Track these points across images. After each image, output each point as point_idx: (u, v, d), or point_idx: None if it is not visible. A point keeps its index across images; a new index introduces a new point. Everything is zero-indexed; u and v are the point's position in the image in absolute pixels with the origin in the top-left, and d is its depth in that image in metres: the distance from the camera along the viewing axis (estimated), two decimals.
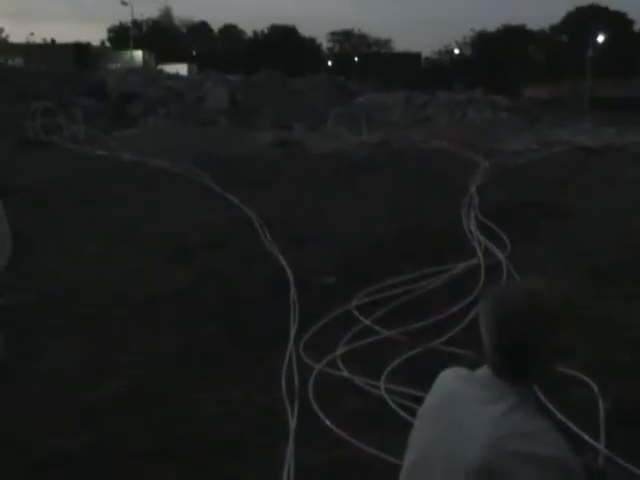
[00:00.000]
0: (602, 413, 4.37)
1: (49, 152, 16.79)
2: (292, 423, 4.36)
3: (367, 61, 78.86)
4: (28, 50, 52.85)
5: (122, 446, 4.16)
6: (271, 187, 12.39)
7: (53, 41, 65.79)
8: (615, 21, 72.14)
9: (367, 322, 6.06)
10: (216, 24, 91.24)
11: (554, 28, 79.59)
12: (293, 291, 6.85)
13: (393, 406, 4.56)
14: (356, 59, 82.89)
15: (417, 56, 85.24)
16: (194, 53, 76.90)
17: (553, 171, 13.95)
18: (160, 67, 47.35)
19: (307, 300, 6.60)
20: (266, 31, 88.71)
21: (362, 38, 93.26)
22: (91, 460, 4.03)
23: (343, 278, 7.34)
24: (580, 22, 69.89)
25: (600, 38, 62.77)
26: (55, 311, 6.44)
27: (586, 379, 4.76)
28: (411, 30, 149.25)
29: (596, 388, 4.65)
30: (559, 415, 4.20)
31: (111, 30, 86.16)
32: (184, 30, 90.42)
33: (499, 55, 73.90)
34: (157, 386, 4.96)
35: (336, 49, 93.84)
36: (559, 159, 15.77)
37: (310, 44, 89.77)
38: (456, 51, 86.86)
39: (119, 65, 49.24)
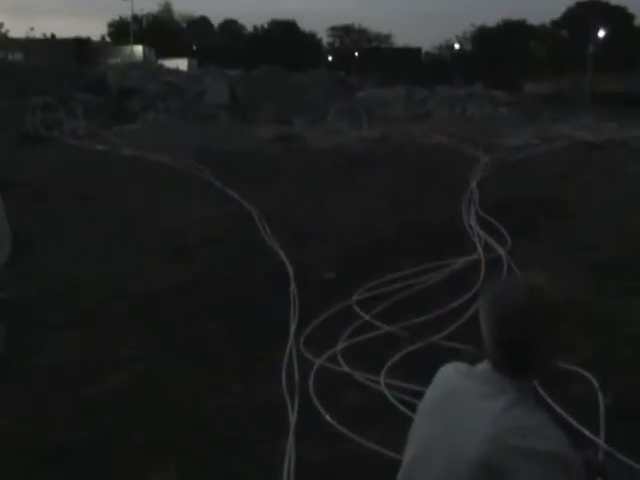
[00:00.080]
0: (602, 408, 4.37)
1: (49, 147, 16.77)
2: (292, 418, 4.37)
3: (367, 56, 78.78)
4: (28, 45, 52.76)
5: (122, 440, 4.17)
6: (271, 182, 12.38)
7: (53, 36, 65.69)
8: (616, 16, 72.03)
9: (367, 317, 6.06)
10: (216, 19, 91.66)
11: (555, 23, 79.53)
12: (293, 286, 6.85)
13: (393, 401, 4.56)
14: (356, 54, 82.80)
15: (417, 51, 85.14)
16: (194, 48, 76.78)
17: (553, 166, 13.93)
18: (160, 62, 47.30)
19: (307, 295, 6.60)
20: (266, 26, 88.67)
21: (362, 33, 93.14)
22: (91, 454, 4.03)
23: (343, 273, 7.34)
24: (581, 17, 69.77)
25: (601, 33, 62.62)
26: (55, 306, 6.44)
27: (586, 374, 4.76)
28: (411, 25, 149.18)
29: (596, 383, 4.65)
30: (559, 410, 4.21)
31: (111, 25, 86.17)
32: (184, 25, 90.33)
33: (499, 50, 73.80)
34: (157, 380, 4.96)
35: (336, 44, 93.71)
36: (560, 154, 15.74)
37: (310, 39, 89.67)
38: (456, 46, 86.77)
39: (119, 60, 49.16)
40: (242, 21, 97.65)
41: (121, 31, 76.37)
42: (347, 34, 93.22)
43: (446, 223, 9.42)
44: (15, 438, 4.12)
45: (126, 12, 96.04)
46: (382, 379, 4.84)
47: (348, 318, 6.03)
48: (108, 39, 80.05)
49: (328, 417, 4.37)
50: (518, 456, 1.63)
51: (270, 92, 29.82)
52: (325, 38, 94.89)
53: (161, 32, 78.17)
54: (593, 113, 26.86)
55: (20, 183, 11.16)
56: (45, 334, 5.74)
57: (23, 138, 17.78)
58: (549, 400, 4.22)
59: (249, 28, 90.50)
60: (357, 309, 6.24)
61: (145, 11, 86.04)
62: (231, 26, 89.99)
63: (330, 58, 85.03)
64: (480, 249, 8.01)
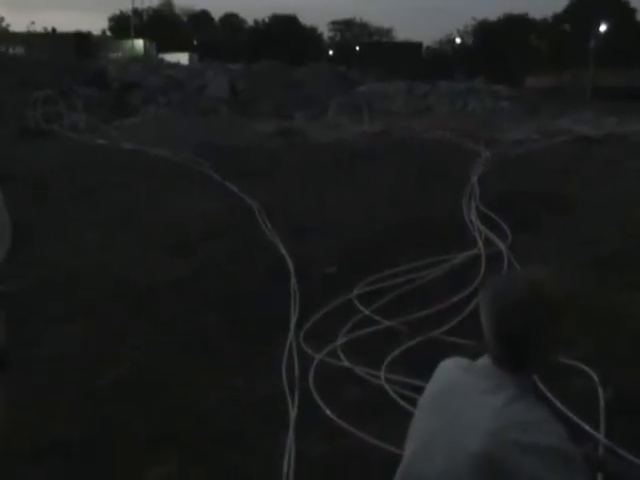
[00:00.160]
0: (602, 403, 4.37)
1: (50, 141, 16.75)
2: (292, 412, 4.37)
3: (368, 50, 78.56)
4: (29, 39, 52.57)
5: (123, 433, 4.17)
6: (272, 176, 12.36)
7: (54, 30, 65.48)
8: (617, 10, 71.82)
9: (367, 312, 6.06)
10: (217, 13, 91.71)
11: (556, 17, 79.27)
12: (294, 280, 6.85)
13: (394, 396, 4.57)
14: (357, 48, 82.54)
15: (418, 45, 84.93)
16: (195, 42, 76.67)
17: (555, 161, 13.89)
18: (161, 56, 47.20)
19: (308, 289, 6.60)
20: (267, 20, 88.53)
21: (363, 27, 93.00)
22: (92, 447, 4.04)
23: (344, 267, 7.33)
24: (582, 11, 69.56)
25: (602, 27, 62.46)
26: (56, 295, 6.46)
27: (586, 369, 4.76)
28: (412, 19, 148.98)
29: (596, 378, 4.65)
30: (559, 405, 4.21)
31: (112, 19, 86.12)
32: (185, 19, 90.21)
33: (501, 44, 73.65)
34: (158, 374, 4.97)
35: (337, 38, 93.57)
36: (561, 149, 15.70)
37: (311, 33, 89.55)
38: (457, 40, 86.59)
39: (120, 54, 49.08)
40: (243, 15, 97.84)
41: (122, 25, 76.21)
42: (348, 28, 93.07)
43: (447, 218, 9.40)
44: (15, 430, 4.12)
45: (127, 6, 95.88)
46: (382, 374, 4.85)
47: (348, 312, 6.03)
48: (109, 33, 79.97)
49: (328, 412, 4.37)
50: (519, 451, 1.63)
51: (271, 86, 29.77)
52: (326, 32, 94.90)
53: (162, 26, 78.02)
54: (594, 108, 26.79)
55: (21, 176, 11.17)
56: (46, 326, 5.75)
57: (24, 132, 17.76)
58: (549, 395, 4.22)
59: (250, 22, 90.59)
60: (357, 303, 6.25)
61: (146, 5, 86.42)
62: (232, 20, 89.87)
63: (331, 52, 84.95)
64: (481, 244, 8.00)
